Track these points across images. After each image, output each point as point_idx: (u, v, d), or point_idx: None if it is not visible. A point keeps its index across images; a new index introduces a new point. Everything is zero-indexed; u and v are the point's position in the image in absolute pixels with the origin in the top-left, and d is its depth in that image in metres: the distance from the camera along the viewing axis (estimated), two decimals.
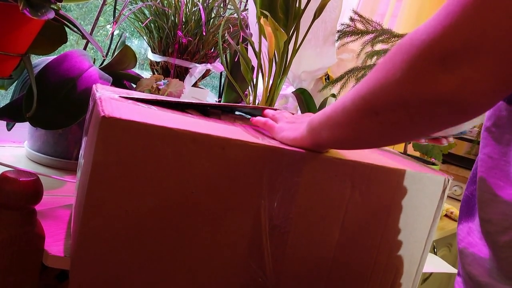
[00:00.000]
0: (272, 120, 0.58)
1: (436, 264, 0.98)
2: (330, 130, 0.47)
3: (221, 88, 1.28)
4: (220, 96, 1.25)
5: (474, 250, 0.49)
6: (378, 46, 1.22)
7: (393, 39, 1.17)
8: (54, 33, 0.68)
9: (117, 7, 0.96)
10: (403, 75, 0.37)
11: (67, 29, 0.68)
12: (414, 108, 0.38)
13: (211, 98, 1.19)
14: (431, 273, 1.25)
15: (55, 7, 0.63)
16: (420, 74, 0.36)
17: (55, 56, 0.73)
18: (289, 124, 0.55)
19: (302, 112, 1.09)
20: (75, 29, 0.67)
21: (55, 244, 0.52)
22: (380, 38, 1.18)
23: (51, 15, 0.58)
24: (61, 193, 0.70)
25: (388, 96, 0.39)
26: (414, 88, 0.37)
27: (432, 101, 0.36)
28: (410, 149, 1.45)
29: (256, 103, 0.91)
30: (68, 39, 0.70)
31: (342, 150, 0.55)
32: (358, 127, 0.43)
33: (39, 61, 0.79)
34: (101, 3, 0.89)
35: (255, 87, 0.90)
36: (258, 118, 0.60)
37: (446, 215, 1.34)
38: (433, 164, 1.41)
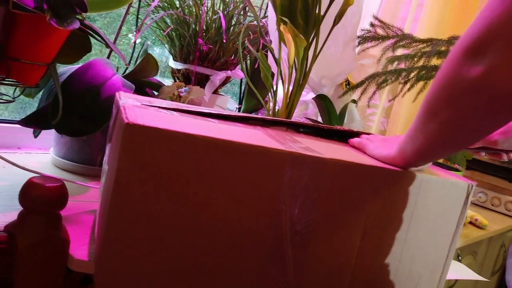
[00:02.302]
0: (367, 140, 0.61)
1: (461, 272, 0.96)
2: (411, 141, 0.49)
3: (241, 95, 1.28)
4: (240, 103, 1.25)
5: None
6: (399, 51, 1.20)
7: (414, 44, 1.15)
8: (79, 42, 0.69)
9: (139, 16, 0.98)
10: (450, 70, 0.41)
11: (91, 38, 0.70)
12: (459, 102, 0.40)
13: (231, 105, 1.20)
14: (456, 281, 1.23)
15: (80, 17, 0.65)
16: (459, 66, 0.40)
17: (79, 65, 0.75)
18: (382, 143, 0.57)
19: (322, 117, 1.09)
20: (99, 38, 0.69)
21: (80, 248, 0.53)
22: (401, 43, 1.17)
23: (76, 25, 0.59)
24: (86, 198, 0.71)
25: (441, 93, 0.42)
26: (456, 81, 0.40)
27: (469, 90, 0.39)
28: None
29: (276, 110, 0.91)
30: (92, 48, 0.72)
31: (424, 163, 0.56)
32: (427, 131, 0.46)
33: (65, 69, 0.81)
34: (124, 13, 0.90)
35: (275, 93, 0.90)
36: (355, 138, 0.63)
37: (470, 222, 1.31)
38: (457, 170, 1.38)
